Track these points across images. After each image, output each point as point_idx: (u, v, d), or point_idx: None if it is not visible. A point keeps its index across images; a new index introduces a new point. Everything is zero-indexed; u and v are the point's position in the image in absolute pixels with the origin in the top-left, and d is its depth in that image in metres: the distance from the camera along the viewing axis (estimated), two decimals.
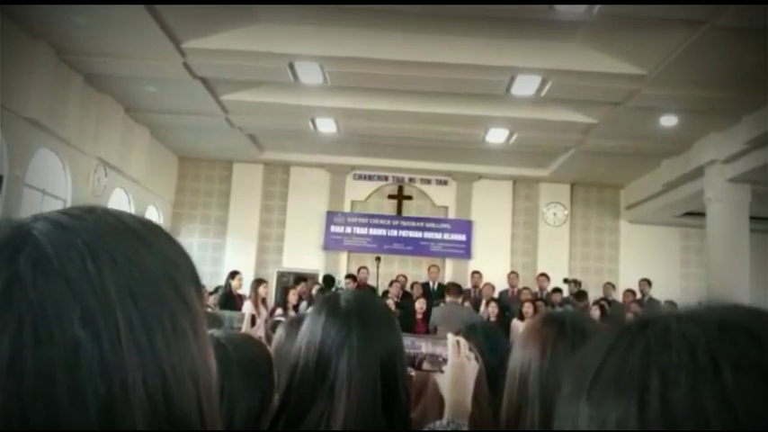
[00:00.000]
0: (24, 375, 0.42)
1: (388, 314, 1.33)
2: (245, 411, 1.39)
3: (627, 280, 11.58)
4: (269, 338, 4.01)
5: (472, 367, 1.44)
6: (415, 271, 12.05)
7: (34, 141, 7.84)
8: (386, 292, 10.09)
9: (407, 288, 10.78)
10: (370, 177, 12.77)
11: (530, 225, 12.77)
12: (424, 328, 8.42)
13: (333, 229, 12.50)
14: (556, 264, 12.06)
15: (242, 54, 7.50)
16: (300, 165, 12.61)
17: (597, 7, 6.22)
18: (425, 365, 1.47)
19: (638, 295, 10.34)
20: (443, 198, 12.80)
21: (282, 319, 5.63)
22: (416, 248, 12.47)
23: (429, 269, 11.33)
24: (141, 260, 0.49)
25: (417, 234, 12.53)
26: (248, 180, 12.68)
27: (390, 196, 12.76)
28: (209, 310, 7.76)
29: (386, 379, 1.20)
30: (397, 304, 9.19)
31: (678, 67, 7.05)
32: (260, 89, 8.91)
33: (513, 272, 11.35)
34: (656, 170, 10.88)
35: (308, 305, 8.02)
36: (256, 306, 7.25)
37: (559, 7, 6.34)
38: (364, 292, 8.49)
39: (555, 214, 12.75)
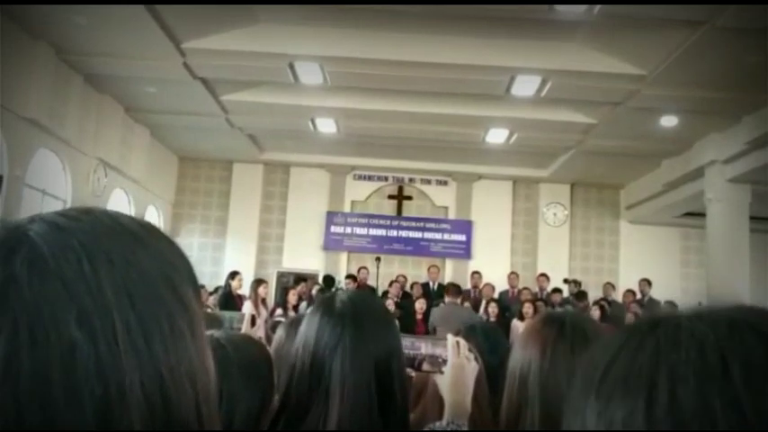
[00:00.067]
0: (20, 377, 0.42)
1: (384, 314, 1.32)
2: (245, 412, 1.39)
3: (627, 280, 11.58)
4: (269, 339, 4.01)
5: (472, 368, 1.44)
6: (415, 271, 12.06)
7: (34, 141, 7.84)
8: (386, 293, 10.10)
9: (407, 288, 10.78)
10: (370, 177, 12.78)
11: (530, 225, 12.77)
12: (424, 328, 8.42)
13: (333, 229, 12.50)
14: (556, 264, 12.06)
15: (242, 54, 7.50)
16: (300, 165, 12.62)
17: (597, 7, 6.22)
18: (425, 366, 1.47)
19: (639, 295, 10.33)
20: (443, 198, 12.80)
21: (282, 319, 5.63)
22: (416, 249, 12.48)
23: (429, 269, 11.33)
24: (138, 261, 0.49)
25: (417, 234, 12.53)
26: (248, 180, 12.68)
27: (390, 196, 12.76)
28: (209, 310, 7.77)
29: (381, 380, 1.19)
30: (396, 304, 9.20)
31: (678, 67, 7.05)
32: (260, 89, 8.91)
33: (513, 272, 11.35)
34: (657, 170, 10.89)
35: (308, 305, 8.01)
36: (256, 306, 7.25)
37: (559, 7, 6.34)
38: (362, 292, 8.47)
39: (555, 214, 12.76)
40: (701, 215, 9.89)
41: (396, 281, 10.66)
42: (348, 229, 12.52)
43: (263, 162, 12.60)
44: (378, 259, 11.32)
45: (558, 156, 11.14)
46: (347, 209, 12.70)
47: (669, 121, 8.75)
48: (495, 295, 10.22)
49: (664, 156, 10.34)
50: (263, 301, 7.66)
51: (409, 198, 12.75)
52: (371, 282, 10.82)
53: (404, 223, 12.57)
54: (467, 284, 10.90)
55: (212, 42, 7.39)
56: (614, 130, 9.19)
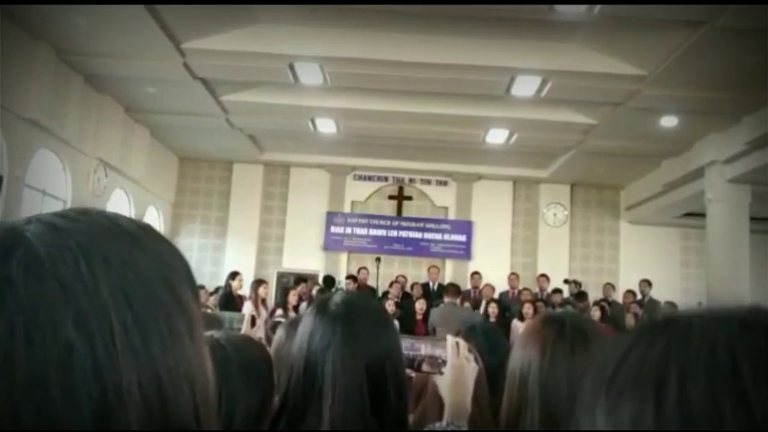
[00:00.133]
0: (17, 377, 0.42)
1: (379, 315, 1.32)
2: (245, 412, 1.39)
3: (627, 281, 11.58)
4: (269, 339, 4.01)
5: (472, 368, 1.45)
6: (415, 271, 12.06)
7: (34, 142, 7.84)
8: (386, 293, 10.10)
9: (407, 289, 10.78)
10: (370, 178, 12.78)
11: (530, 226, 12.77)
12: (424, 328, 8.42)
13: (333, 229, 12.50)
14: (556, 264, 12.06)
15: (242, 54, 7.50)
16: (300, 165, 12.62)
17: (597, 7, 6.22)
18: (425, 367, 1.47)
19: (639, 296, 10.33)
20: (443, 199, 12.80)
21: (282, 319, 5.63)
22: (416, 249, 12.48)
23: (429, 270, 11.33)
24: (136, 262, 0.49)
25: (417, 235, 12.53)
26: (248, 180, 12.69)
27: (390, 197, 12.76)
28: (210, 310, 7.77)
29: (374, 381, 1.19)
30: (397, 305, 9.20)
31: (678, 67, 7.05)
32: (260, 90, 8.91)
33: (513, 273, 11.35)
34: (657, 171, 10.89)
35: (309, 306, 8.00)
36: (256, 307, 7.25)
37: (559, 7, 6.34)
38: (360, 293, 8.51)
39: (555, 215, 12.76)
40: (701, 215, 9.89)
41: (396, 281, 10.67)
42: (348, 230, 12.52)
43: (263, 162, 12.60)
44: (378, 260, 11.33)
45: (559, 156, 11.14)
46: (347, 209, 12.70)
47: (669, 122, 8.75)
48: (496, 296, 10.22)
49: (664, 156, 10.34)
50: (264, 301, 7.66)
51: (409, 198, 12.76)
52: (372, 282, 10.83)
53: (404, 224, 12.57)
54: (467, 285, 10.90)
55: (212, 43, 7.39)
56: (614, 130, 9.19)
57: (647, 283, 10.52)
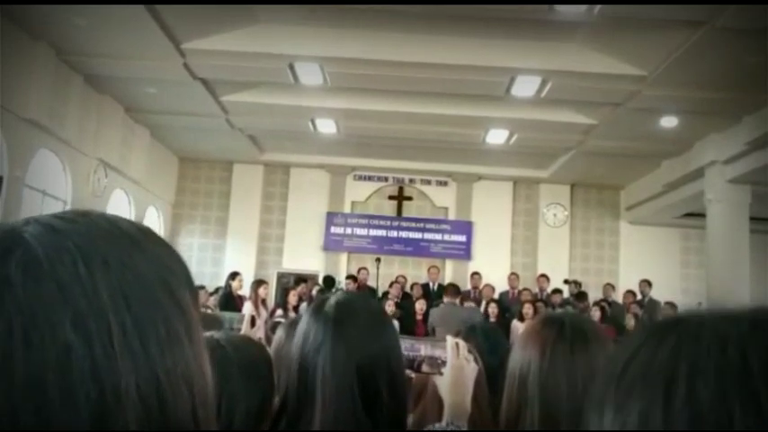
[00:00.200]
0: (15, 379, 0.42)
1: (374, 316, 1.31)
2: (245, 412, 1.39)
3: (627, 281, 11.58)
4: (269, 339, 4.01)
5: (471, 369, 1.45)
6: (415, 272, 12.06)
7: (34, 142, 7.84)
8: (386, 293, 10.11)
9: (407, 289, 10.79)
10: (370, 178, 12.78)
11: (530, 226, 12.77)
12: (424, 329, 8.43)
13: (333, 229, 12.50)
14: (556, 265, 12.06)
15: (242, 55, 7.50)
16: (300, 165, 12.62)
17: (597, 8, 6.22)
18: (424, 368, 1.47)
19: (639, 296, 10.33)
20: (443, 199, 12.80)
21: (282, 320, 5.63)
22: (416, 249, 12.48)
23: (429, 270, 11.33)
24: (135, 264, 0.49)
25: (417, 235, 12.53)
26: (248, 181, 12.69)
27: (390, 197, 12.76)
28: (209, 311, 7.77)
29: (366, 382, 1.19)
30: (397, 305, 9.20)
31: (678, 67, 7.05)
32: (260, 90, 8.92)
33: (513, 273, 11.35)
34: (657, 171, 10.89)
35: (309, 306, 8.01)
36: (256, 307, 7.25)
37: (559, 7, 6.34)
38: (357, 293, 8.49)
39: (555, 215, 12.76)
40: (701, 216, 9.89)
41: (396, 281, 10.67)
42: (348, 230, 12.52)
43: (263, 163, 12.60)
44: (378, 260, 11.33)
45: (559, 156, 11.14)
46: (347, 209, 12.70)
47: (669, 122, 8.75)
48: (496, 296, 10.22)
49: (664, 156, 10.34)
50: (264, 301, 7.66)
51: (409, 199, 12.76)
52: (372, 282, 10.83)
53: (404, 224, 12.57)
54: (467, 285, 10.91)
55: (212, 43, 7.40)
56: (614, 130, 9.19)
57: (647, 284, 10.52)
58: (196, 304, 0.53)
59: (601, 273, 12.44)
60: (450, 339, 1.47)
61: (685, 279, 12.43)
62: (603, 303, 9.64)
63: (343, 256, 12.57)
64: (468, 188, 12.73)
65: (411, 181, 12.77)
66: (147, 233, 0.53)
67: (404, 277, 11.21)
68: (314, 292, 9.46)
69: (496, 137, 10.12)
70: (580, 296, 9.84)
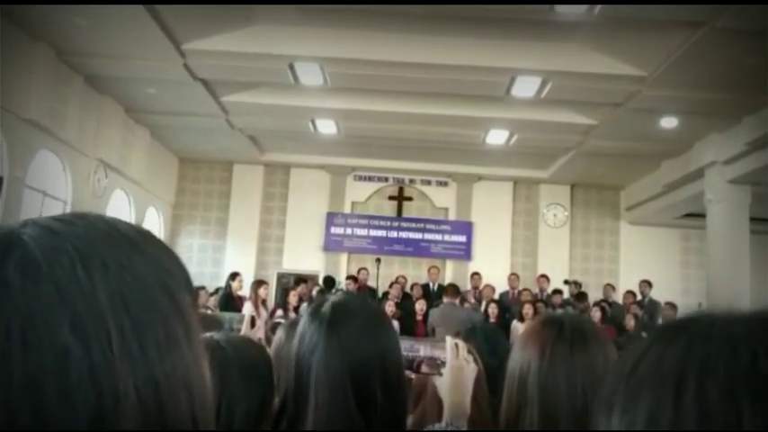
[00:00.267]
0: (13, 381, 0.41)
1: (370, 317, 1.31)
2: (245, 413, 1.40)
3: (627, 281, 11.57)
4: (269, 340, 4.02)
5: (471, 369, 1.45)
6: (416, 272, 12.06)
7: (35, 142, 7.85)
8: (386, 294, 10.11)
9: (408, 289, 10.79)
10: (370, 178, 12.78)
11: (530, 226, 12.77)
12: (424, 329, 8.43)
13: (333, 230, 12.50)
14: (556, 265, 12.06)
15: (242, 55, 7.50)
16: (301, 166, 12.62)
17: (597, 8, 6.22)
18: (424, 368, 1.47)
19: (639, 297, 10.33)
20: (444, 199, 12.80)
21: (282, 320, 5.63)
22: (417, 250, 12.48)
23: (429, 270, 11.33)
24: (134, 266, 0.48)
25: (417, 235, 12.53)
26: (248, 181, 12.69)
27: (391, 197, 12.77)
28: (210, 311, 7.77)
29: (360, 383, 1.19)
30: (397, 305, 9.20)
31: (678, 68, 7.06)
32: (260, 90, 8.92)
33: (513, 273, 11.35)
34: (657, 171, 10.89)
35: (309, 307, 8.00)
36: (256, 307, 7.26)
37: (559, 8, 6.34)
38: (356, 294, 8.51)
39: (555, 215, 12.76)
40: (702, 216, 9.89)
41: (396, 282, 10.67)
42: (348, 230, 12.53)
43: (263, 163, 12.60)
44: (378, 260, 11.32)
45: (559, 157, 11.14)
46: (347, 210, 12.71)
47: (669, 122, 8.75)
48: (496, 296, 10.22)
49: (664, 157, 10.34)
50: (264, 302, 7.67)
51: (409, 199, 12.76)
52: (372, 283, 10.83)
53: (404, 224, 12.57)
54: (467, 285, 10.91)
55: (212, 43, 7.40)
56: (614, 131, 9.20)
57: (647, 284, 10.52)
58: (195, 307, 0.53)
59: (601, 273, 12.44)
60: (449, 340, 1.47)
61: (685, 279, 12.43)
62: (604, 304, 9.63)
63: (344, 257, 12.57)
64: (468, 188, 12.73)
65: (411, 181, 12.78)
66: (147, 236, 0.53)
67: (404, 277, 11.21)
68: (314, 292, 9.46)
69: (496, 137, 10.12)
70: (580, 296, 9.84)
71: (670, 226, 12.34)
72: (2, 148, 7.21)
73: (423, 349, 1.48)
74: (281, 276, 12.31)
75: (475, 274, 11.27)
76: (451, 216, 12.75)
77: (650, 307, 10.00)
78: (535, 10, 6.47)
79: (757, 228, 10.12)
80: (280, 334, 2.13)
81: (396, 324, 5.70)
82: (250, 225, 12.57)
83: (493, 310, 9.05)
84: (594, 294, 10.72)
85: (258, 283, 7.62)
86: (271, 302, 9.33)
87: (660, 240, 12.62)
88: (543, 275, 11.09)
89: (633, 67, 7.40)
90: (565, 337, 1.31)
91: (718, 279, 8.92)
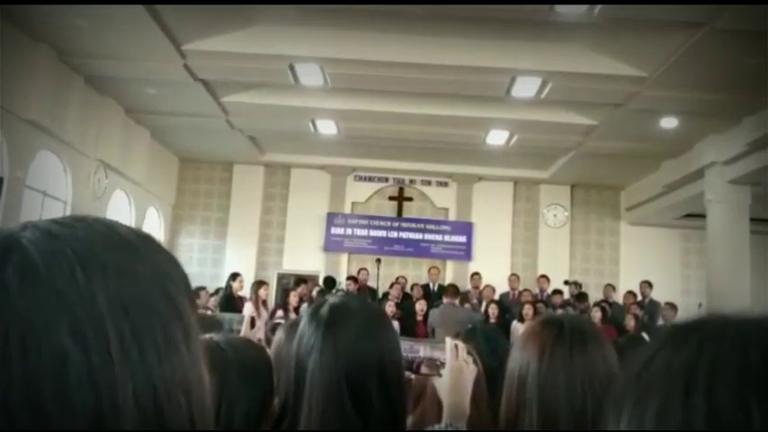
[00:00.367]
0: (11, 385, 0.41)
1: (369, 318, 1.30)
2: (244, 414, 1.40)
3: (627, 282, 11.56)
4: (269, 340, 4.02)
5: (470, 370, 1.45)
6: (416, 272, 12.06)
7: (35, 143, 7.85)
8: (386, 294, 10.10)
9: (408, 290, 10.78)
10: (370, 179, 12.78)
11: (530, 227, 12.77)
12: (425, 329, 8.43)
13: (333, 230, 12.50)
14: (556, 265, 12.06)
15: (243, 56, 7.51)
16: (301, 166, 12.62)
17: (597, 9, 6.22)
18: (423, 369, 1.47)
19: (639, 297, 10.32)
20: (444, 200, 12.80)
21: (282, 321, 5.63)
22: (417, 250, 12.47)
23: (429, 271, 11.34)
24: (133, 270, 0.48)
25: (418, 236, 12.53)
26: (249, 182, 12.69)
27: (391, 198, 12.76)
28: (210, 312, 7.77)
29: (355, 383, 1.19)
30: (397, 306, 9.20)
31: (678, 69, 7.06)
32: (260, 91, 8.92)
33: (513, 274, 11.35)
34: (657, 172, 10.89)
35: (309, 307, 8.00)
36: (257, 308, 7.26)
37: (559, 8, 6.34)
38: (356, 295, 8.50)
39: (555, 216, 12.76)
40: (702, 216, 9.88)
41: (396, 282, 10.67)
42: (348, 231, 12.52)
43: (263, 163, 12.60)
44: (378, 261, 11.32)
45: (559, 157, 11.14)
46: (348, 210, 12.70)
47: (669, 123, 8.75)
48: (496, 297, 10.22)
49: (664, 157, 10.34)
50: (264, 302, 7.67)
51: (410, 199, 12.76)
52: (372, 283, 10.83)
53: (404, 224, 12.57)
54: (467, 286, 10.91)
55: (213, 44, 7.40)
56: (614, 131, 9.20)
57: (647, 285, 10.51)
58: (194, 311, 0.53)
59: (601, 273, 12.44)
60: (449, 341, 1.47)
61: (686, 280, 12.43)
62: (604, 304, 9.63)
63: (344, 257, 12.57)
64: (468, 189, 12.73)
65: (411, 182, 12.77)
66: (146, 239, 0.53)
67: (404, 278, 11.21)
68: (314, 292, 9.46)
69: (497, 138, 10.12)
70: (580, 297, 9.84)
71: (670, 226, 12.33)
72: (2, 149, 7.21)
73: (422, 350, 1.48)
74: (281, 277, 12.31)
75: (475, 274, 11.27)
76: (452, 216, 12.75)
77: (650, 307, 10.00)
78: (535, 10, 6.46)
79: (757, 228, 10.12)
80: (280, 335, 2.13)
81: (396, 324, 5.70)
82: (250, 225, 12.57)
83: (493, 310, 9.05)
84: (595, 295, 10.72)
85: (258, 284, 7.62)
86: (271, 303, 9.33)
87: (660, 241, 12.61)
88: (543, 276, 11.09)
89: (633, 68, 7.40)
90: (564, 338, 1.31)
91: (718, 279, 8.92)
